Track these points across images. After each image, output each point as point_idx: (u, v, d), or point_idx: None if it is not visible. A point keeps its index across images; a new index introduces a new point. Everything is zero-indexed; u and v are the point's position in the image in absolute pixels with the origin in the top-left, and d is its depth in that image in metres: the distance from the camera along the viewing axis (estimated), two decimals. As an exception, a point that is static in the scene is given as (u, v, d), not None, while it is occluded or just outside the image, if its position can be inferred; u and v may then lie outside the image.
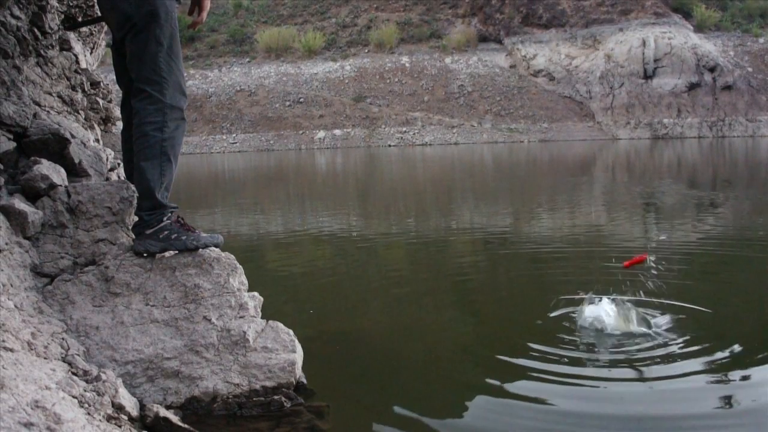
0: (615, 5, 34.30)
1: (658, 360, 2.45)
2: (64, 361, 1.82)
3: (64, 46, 3.04)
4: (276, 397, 2.06)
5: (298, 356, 2.18)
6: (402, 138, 31.39)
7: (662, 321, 2.86)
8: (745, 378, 2.31)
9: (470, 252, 5.21)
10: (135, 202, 2.25)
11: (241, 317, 2.15)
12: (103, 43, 4.00)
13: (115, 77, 2.42)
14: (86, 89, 3.18)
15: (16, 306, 1.85)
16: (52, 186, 2.22)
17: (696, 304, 3.11)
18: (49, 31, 2.70)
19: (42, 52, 2.71)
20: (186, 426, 1.83)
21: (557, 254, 4.87)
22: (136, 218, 2.25)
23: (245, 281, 2.27)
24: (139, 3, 2.15)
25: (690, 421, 2.01)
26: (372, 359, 2.68)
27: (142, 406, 1.90)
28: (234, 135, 32.35)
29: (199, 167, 20.53)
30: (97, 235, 2.19)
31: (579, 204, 8.46)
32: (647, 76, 31.51)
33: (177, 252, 2.19)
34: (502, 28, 36.18)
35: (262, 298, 2.35)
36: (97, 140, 3.13)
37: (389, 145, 30.48)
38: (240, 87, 35.00)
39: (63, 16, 2.99)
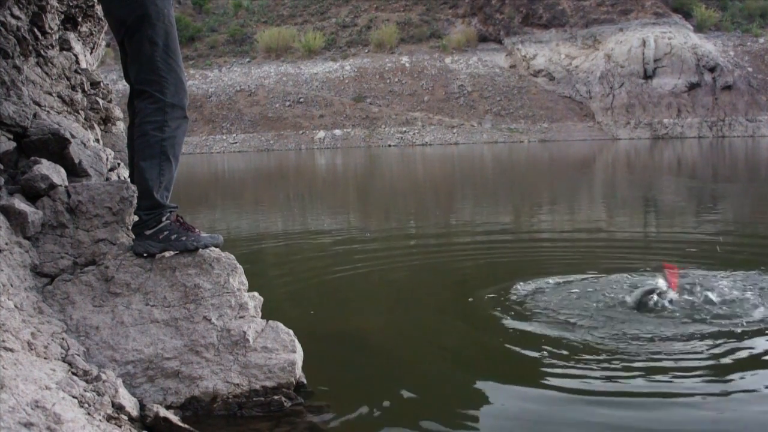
0: (615, 5, 34.28)
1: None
2: (64, 361, 1.82)
3: (64, 46, 3.04)
4: (276, 397, 2.06)
5: (298, 356, 2.18)
6: (402, 138, 31.38)
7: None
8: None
9: (472, 252, 5.21)
10: (135, 201, 2.25)
11: (241, 317, 2.15)
12: (103, 43, 4.00)
13: (114, 76, 2.42)
14: (86, 89, 3.18)
15: (16, 306, 1.85)
16: (52, 186, 2.21)
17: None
18: (49, 31, 2.70)
19: (42, 52, 2.71)
20: (186, 426, 1.83)
21: (561, 254, 4.86)
22: (136, 217, 2.25)
23: (245, 281, 2.27)
24: (131, 7, 2.15)
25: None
26: (372, 359, 2.67)
27: (142, 406, 1.90)
28: (234, 135, 32.34)
29: (199, 167, 20.52)
30: (97, 235, 2.19)
31: (583, 202, 8.47)
32: (647, 76, 31.50)
33: (177, 252, 2.19)
34: (502, 28, 36.17)
35: (262, 298, 2.35)
36: (97, 140, 3.13)
37: (389, 145, 30.47)
38: (240, 87, 34.99)
39: (63, 16, 2.99)
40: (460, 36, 36.67)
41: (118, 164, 3.04)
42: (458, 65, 35.43)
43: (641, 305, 3.05)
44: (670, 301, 3.06)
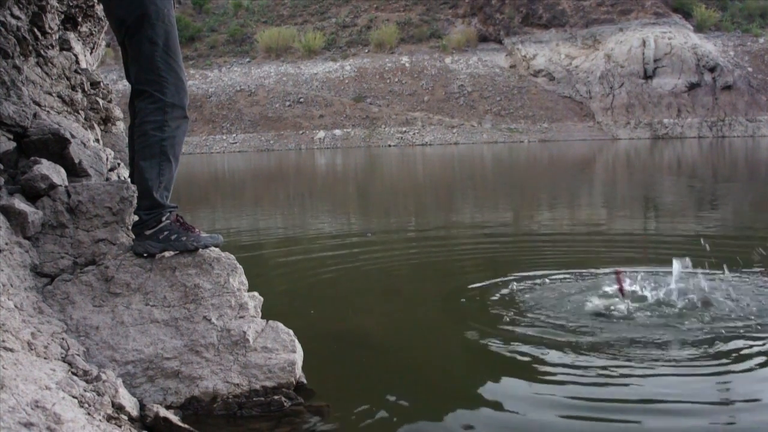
0: (615, 5, 34.30)
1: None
2: (64, 361, 1.82)
3: (64, 46, 3.05)
4: (276, 397, 2.06)
5: (298, 356, 2.18)
6: (402, 138, 31.39)
7: None
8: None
9: (472, 251, 5.21)
10: (135, 201, 2.25)
11: (241, 317, 2.15)
12: (103, 43, 4.00)
13: (114, 76, 2.42)
14: (86, 89, 3.18)
15: (16, 306, 1.85)
16: (52, 186, 2.21)
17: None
18: (49, 31, 2.70)
19: (42, 52, 2.71)
20: (186, 426, 1.83)
21: (566, 255, 4.86)
22: (136, 217, 2.25)
23: (245, 281, 2.27)
24: (131, 7, 2.15)
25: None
26: (372, 359, 2.67)
27: (142, 406, 1.90)
28: (234, 135, 32.36)
29: (199, 167, 20.52)
30: (97, 235, 2.19)
31: (582, 201, 8.47)
32: (647, 76, 31.51)
33: (177, 252, 2.19)
34: (502, 28, 36.18)
35: (262, 298, 2.35)
36: (97, 140, 3.13)
37: (389, 145, 30.48)
38: (240, 87, 35.01)
39: (63, 16, 2.99)
40: (460, 36, 36.68)
41: (118, 164, 3.04)
42: (458, 65, 35.44)
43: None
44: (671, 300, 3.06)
